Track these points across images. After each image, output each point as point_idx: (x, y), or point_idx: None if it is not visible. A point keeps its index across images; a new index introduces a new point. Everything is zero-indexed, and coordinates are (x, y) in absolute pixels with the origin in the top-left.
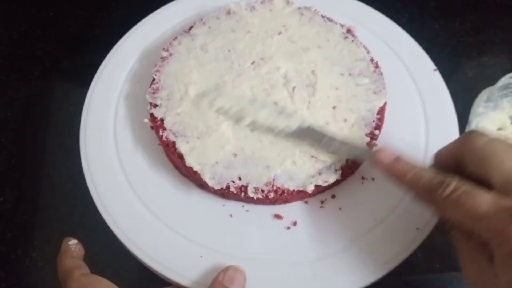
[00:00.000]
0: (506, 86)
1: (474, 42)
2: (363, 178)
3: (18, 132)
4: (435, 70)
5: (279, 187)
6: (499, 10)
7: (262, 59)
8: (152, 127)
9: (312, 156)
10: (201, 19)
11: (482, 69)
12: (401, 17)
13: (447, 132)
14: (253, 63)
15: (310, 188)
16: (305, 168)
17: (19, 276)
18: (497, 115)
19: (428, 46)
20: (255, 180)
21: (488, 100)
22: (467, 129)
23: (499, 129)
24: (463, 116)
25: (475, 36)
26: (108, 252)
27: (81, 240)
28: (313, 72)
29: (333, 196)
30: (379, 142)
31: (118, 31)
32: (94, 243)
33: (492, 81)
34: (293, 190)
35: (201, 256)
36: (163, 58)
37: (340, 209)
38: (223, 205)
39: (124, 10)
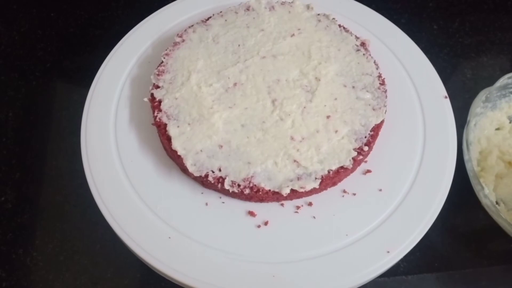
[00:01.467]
0: (504, 87)
1: (473, 42)
2: (344, 191)
3: (19, 132)
4: (445, 97)
5: (255, 185)
6: (498, 11)
7: (269, 57)
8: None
9: (294, 161)
10: (220, 12)
11: (480, 69)
12: (400, 18)
13: (441, 164)
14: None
15: (286, 191)
16: (285, 171)
17: (20, 276)
18: (495, 115)
19: (427, 47)
20: (234, 174)
21: (487, 100)
22: (465, 130)
23: (497, 129)
24: (461, 116)
25: (474, 37)
26: (108, 251)
27: (81, 239)
28: (316, 78)
29: (310, 204)
30: (369, 159)
31: (118, 32)
32: (94, 242)
33: (491, 81)
34: (269, 190)
35: (169, 237)
36: (175, 43)
37: (314, 217)
38: (202, 193)
39: (124, 12)
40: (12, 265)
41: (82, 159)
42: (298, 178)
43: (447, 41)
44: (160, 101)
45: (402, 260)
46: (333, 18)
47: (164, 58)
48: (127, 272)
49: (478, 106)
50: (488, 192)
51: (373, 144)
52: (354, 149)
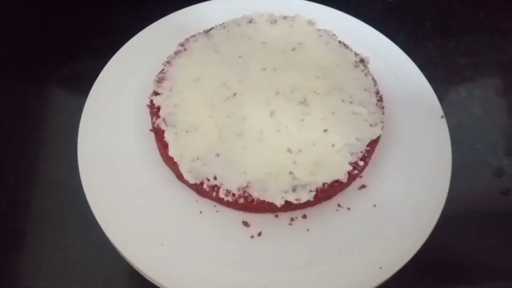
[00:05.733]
0: None
1: (468, 62)
2: (339, 205)
3: (14, 136)
4: (442, 117)
5: (250, 194)
6: (494, 31)
7: (269, 69)
8: None
9: (290, 172)
10: (223, 23)
11: (475, 89)
12: (396, 36)
13: (436, 183)
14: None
15: (280, 202)
16: (280, 182)
17: (9, 282)
18: None
19: (423, 65)
20: (229, 183)
21: None
22: None
23: None
24: (455, 134)
25: (469, 57)
26: (100, 259)
27: (73, 247)
28: (314, 92)
29: (304, 216)
30: (365, 174)
31: (119, 40)
32: (87, 250)
33: (485, 101)
34: (263, 200)
35: (162, 244)
36: (176, 52)
37: (308, 230)
38: (196, 201)
39: (125, 20)
40: (1, 271)
41: (78, 164)
42: (293, 190)
43: (443, 60)
44: (159, 108)
45: (394, 276)
46: (334, 34)
47: (165, 66)
48: (119, 280)
49: None
50: None
51: (369, 160)
52: (350, 164)
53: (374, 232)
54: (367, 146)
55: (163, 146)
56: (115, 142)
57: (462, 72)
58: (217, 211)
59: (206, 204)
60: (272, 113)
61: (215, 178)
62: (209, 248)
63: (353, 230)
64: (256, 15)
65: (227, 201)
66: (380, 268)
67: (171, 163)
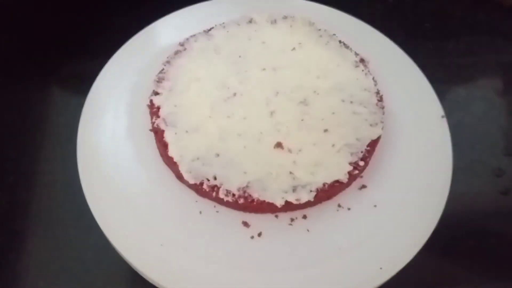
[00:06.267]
0: None
1: (468, 62)
2: (339, 206)
3: (14, 136)
4: (442, 117)
5: (250, 195)
6: (493, 32)
7: (269, 69)
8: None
9: (290, 173)
10: (223, 23)
11: (475, 90)
12: (396, 36)
13: (436, 183)
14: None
15: (280, 203)
16: (280, 182)
17: (9, 282)
18: None
19: (422, 65)
20: (229, 183)
21: None
22: None
23: None
24: (455, 135)
25: (469, 57)
26: (101, 259)
27: (73, 247)
28: (314, 92)
29: (305, 217)
30: (365, 174)
31: (119, 40)
32: (87, 250)
33: (485, 101)
34: (263, 200)
35: (161, 245)
36: (176, 52)
37: (308, 230)
38: (196, 201)
39: (125, 20)
40: (1, 271)
41: (77, 165)
42: (293, 190)
43: (442, 60)
44: (158, 108)
45: (394, 276)
46: (334, 34)
47: (165, 65)
48: (120, 280)
49: None
50: None
51: (369, 160)
52: (350, 164)
53: (374, 232)
54: (367, 146)
55: (163, 146)
56: (115, 142)
57: (462, 72)
58: (217, 211)
59: (206, 204)
60: (272, 113)
61: (215, 178)
62: (209, 248)
63: (353, 230)
64: (256, 15)
65: (227, 201)
66: (380, 268)
67: (171, 163)
